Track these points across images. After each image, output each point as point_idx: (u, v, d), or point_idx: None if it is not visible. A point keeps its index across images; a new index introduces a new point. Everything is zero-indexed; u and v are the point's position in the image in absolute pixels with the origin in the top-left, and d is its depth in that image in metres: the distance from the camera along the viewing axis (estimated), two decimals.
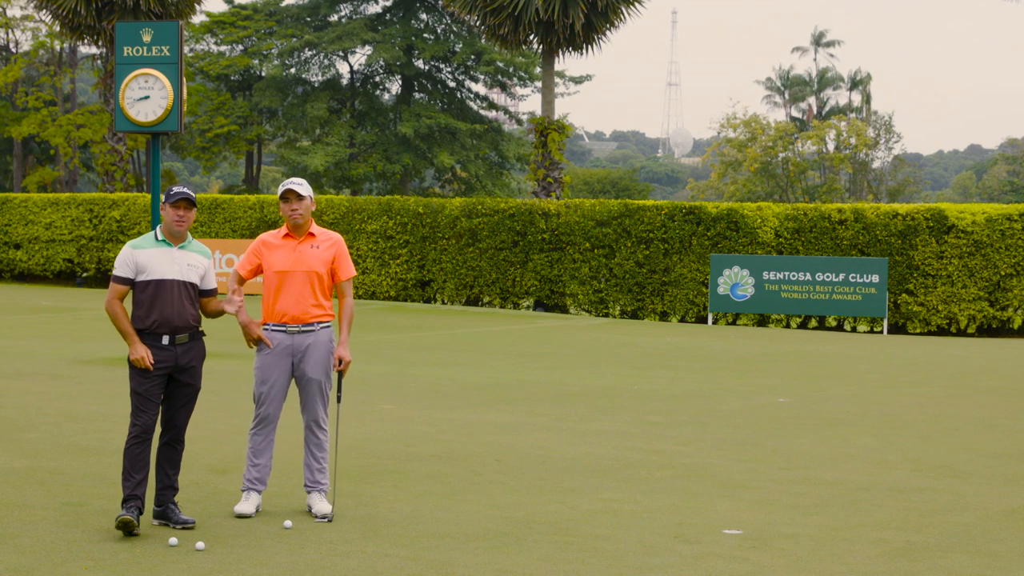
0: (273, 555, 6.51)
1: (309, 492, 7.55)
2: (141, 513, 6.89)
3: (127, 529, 6.75)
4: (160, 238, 7.09)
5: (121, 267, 7.01)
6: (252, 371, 7.67)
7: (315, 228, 7.58)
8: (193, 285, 7.10)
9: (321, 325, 7.50)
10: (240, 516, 7.30)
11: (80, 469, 8.58)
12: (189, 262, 7.09)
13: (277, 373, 7.45)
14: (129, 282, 6.99)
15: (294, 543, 6.77)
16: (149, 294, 6.96)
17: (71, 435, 9.94)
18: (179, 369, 7.02)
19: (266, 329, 7.48)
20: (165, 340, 6.97)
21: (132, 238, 31.51)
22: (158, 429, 7.14)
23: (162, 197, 7.13)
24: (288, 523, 7.14)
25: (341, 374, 7.54)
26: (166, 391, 7.06)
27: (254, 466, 7.47)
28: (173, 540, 6.68)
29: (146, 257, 7.00)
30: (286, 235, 7.54)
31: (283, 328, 7.45)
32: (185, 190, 7.09)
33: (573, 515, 7.57)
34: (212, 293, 7.23)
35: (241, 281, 7.55)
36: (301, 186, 7.49)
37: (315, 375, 7.48)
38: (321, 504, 7.45)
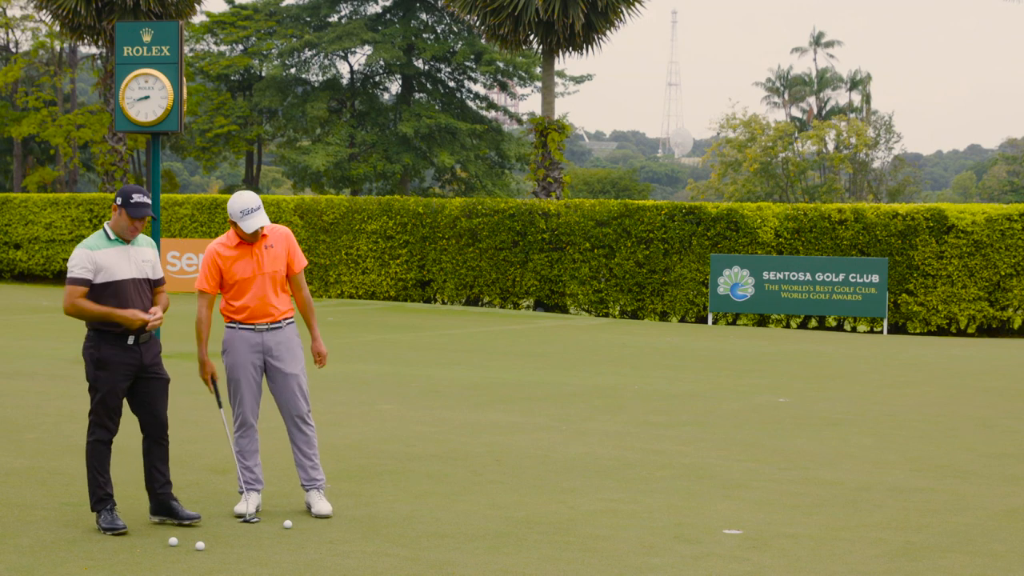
0: (273, 555, 6.51)
1: (307, 491, 7.55)
2: (115, 506, 6.97)
3: (120, 534, 6.85)
4: (113, 237, 6.99)
5: (80, 268, 6.87)
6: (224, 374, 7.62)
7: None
8: (148, 281, 7.08)
9: (287, 321, 7.51)
10: (240, 516, 7.30)
11: (80, 469, 8.55)
12: (143, 258, 7.08)
13: (247, 372, 7.42)
14: (88, 283, 6.88)
15: (294, 543, 6.77)
16: (109, 295, 6.89)
17: (71, 435, 9.94)
18: (144, 368, 7.03)
19: (232, 327, 7.45)
20: (130, 340, 6.95)
21: None
22: (125, 430, 7.16)
23: (117, 200, 6.91)
24: (288, 523, 7.14)
25: (216, 381, 7.47)
26: (139, 390, 7.05)
27: (246, 468, 7.46)
28: (173, 540, 6.68)
29: (104, 257, 6.92)
30: (239, 243, 7.40)
31: (251, 327, 7.42)
32: (147, 203, 6.95)
33: (573, 515, 7.57)
34: (161, 283, 7.19)
35: (211, 303, 7.43)
36: (259, 212, 7.23)
37: (292, 370, 7.46)
38: (320, 503, 7.45)
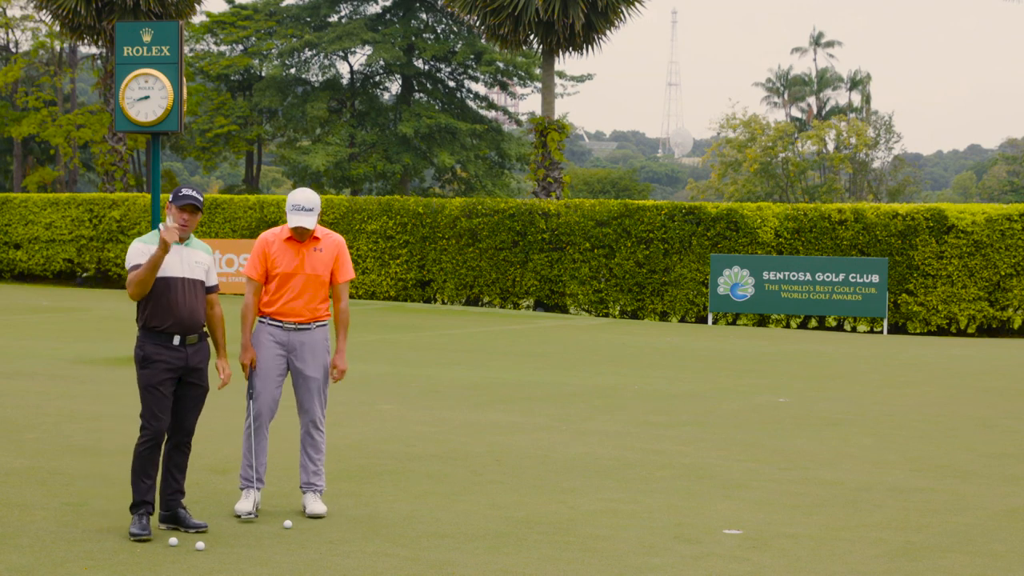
0: (273, 555, 6.51)
1: (304, 493, 7.55)
2: (151, 515, 6.89)
3: (143, 541, 6.77)
4: None
5: (137, 258, 6.89)
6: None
7: (318, 230, 7.52)
8: (201, 283, 7.07)
9: (318, 324, 7.50)
10: (239, 514, 7.29)
11: (80, 469, 8.58)
12: (196, 259, 7.08)
13: (271, 369, 7.44)
14: None
15: (294, 543, 6.77)
16: (158, 292, 6.90)
17: (71, 435, 9.94)
18: (188, 371, 6.98)
19: (262, 322, 7.47)
20: (176, 341, 6.92)
21: (132, 238, 31.55)
22: None
23: (168, 197, 7.04)
24: (288, 523, 7.14)
25: (254, 368, 7.47)
26: (178, 392, 7.00)
27: (251, 465, 7.45)
28: (173, 540, 6.68)
29: None
30: (290, 237, 7.48)
31: (279, 324, 7.44)
32: (193, 194, 7.01)
33: (573, 515, 7.57)
34: (215, 290, 7.21)
35: (259, 291, 7.48)
36: (310, 214, 7.32)
37: (313, 373, 7.47)
38: (315, 504, 7.45)
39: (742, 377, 15.45)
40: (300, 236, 7.40)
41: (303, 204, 7.35)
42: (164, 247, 6.75)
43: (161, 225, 7.09)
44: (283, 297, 7.42)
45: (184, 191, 7.04)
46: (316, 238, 7.49)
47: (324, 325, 7.54)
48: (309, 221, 7.33)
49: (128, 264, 6.98)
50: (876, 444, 10.42)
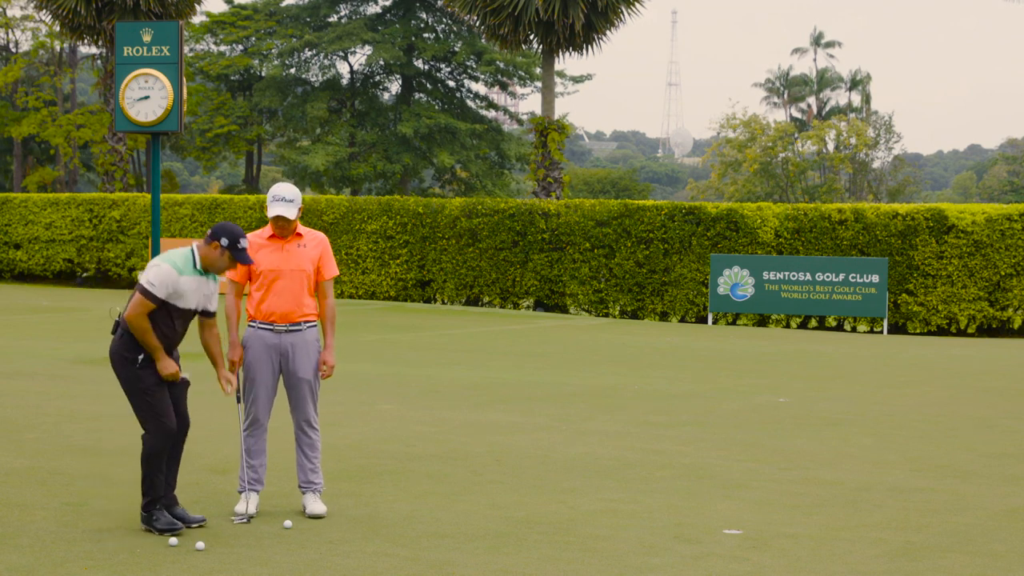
0: (273, 555, 6.51)
1: (303, 492, 7.55)
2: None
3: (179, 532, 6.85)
4: (199, 267, 6.98)
5: (161, 287, 6.81)
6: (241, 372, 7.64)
7: (301, 228, 7.56)
8: (203, 311, 7.13)
9: (308, 324, 7.50)
10: (238, 516, 7.29)
11: (80, 469, 8.58)
12: (209, 291, 7.12)
13: (264, 372, 7.43)
14: (162, 303, 6.84)
15: (294, 543, 6.77)
16: (169, 317, 6.91)
17: (71, 435, 9.94)
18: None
19: (252, 326, 7.48)
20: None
21: (132, 238, 31.61)
22: None
23: (222, 241, 6.91)
24: (288, 523, 7.14)
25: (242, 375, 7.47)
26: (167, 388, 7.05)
27: (250, 467, 7.45)
28: (173, 540, 6.68)
29: (185, 284, 6.91)
30: (272, 235, 7.49)
31: (270, 327, 7.43)
32: (249, 254, 7.07)
33: (573, 515, 7.57)
34: (214, 314, 7.22)
35: (240, 291, 7.50)
36: (290, 204, 7.34)
37: (304, 375, 7.47)
38: (315, 504, 7.45)
39: (742, 377, 15.45)
40: (281, 231, 7.40)
41: (284, 195, 7.37)
42: (165, 376, 6.91)
43: (195, 245, 7.01)
44: (270, 297, 7.41)
45: (243, 243, 6.99)
46: (299, 235, 7.51)
47: (314, 325, 7.55)
48: (290, 211, 7.34)
49: (151, 286, 6.80)
50: (876, 444, 10.42)
